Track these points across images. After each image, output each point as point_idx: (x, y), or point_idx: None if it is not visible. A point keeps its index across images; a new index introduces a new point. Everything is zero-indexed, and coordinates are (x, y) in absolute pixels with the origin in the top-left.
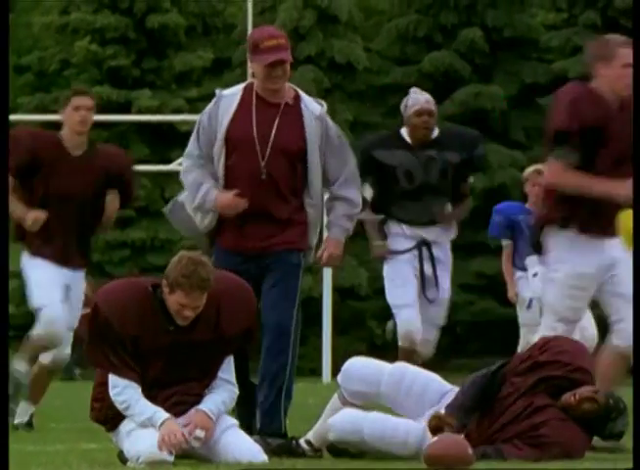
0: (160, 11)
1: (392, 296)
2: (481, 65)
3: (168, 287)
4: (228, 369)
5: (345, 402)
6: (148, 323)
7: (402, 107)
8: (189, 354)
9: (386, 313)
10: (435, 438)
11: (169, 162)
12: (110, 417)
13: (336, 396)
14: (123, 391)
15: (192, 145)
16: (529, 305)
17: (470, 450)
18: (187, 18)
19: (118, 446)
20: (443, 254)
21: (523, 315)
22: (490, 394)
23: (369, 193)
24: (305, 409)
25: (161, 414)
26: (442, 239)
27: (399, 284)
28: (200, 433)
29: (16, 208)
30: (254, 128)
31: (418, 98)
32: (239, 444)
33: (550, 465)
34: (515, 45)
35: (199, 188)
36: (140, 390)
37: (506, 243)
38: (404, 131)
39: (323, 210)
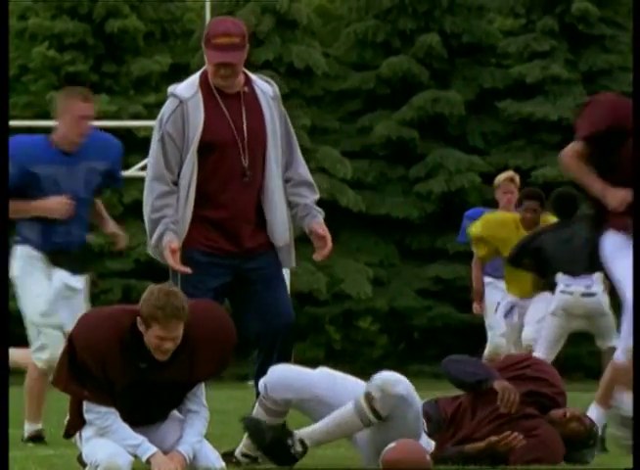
0: (119, 16)
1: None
2: (439, 70)
3: (144, 323)
4: (200, 393)
5: (269, 411)
6: (121, 360)
7: None
8: (158, 393)
9: (343, 318)
10: (393, 443)
11: (128, 167)
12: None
13: (257, 406)
14: (103, 416)
15: (157, 165)
16: (497, 310)
17: (427, 456)
18: (146, 23)
19: (79, 448)
20: None
21: (490, 319)
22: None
23: None
24: None
25: (148, 446)
26: None
27: None
28: None
29: None
30: (232, 125)
31: None
32: (197, 450)
33: (550, 466)
34: (473, 51)
35: (157, 224)
36: (119, 416)
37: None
38: None
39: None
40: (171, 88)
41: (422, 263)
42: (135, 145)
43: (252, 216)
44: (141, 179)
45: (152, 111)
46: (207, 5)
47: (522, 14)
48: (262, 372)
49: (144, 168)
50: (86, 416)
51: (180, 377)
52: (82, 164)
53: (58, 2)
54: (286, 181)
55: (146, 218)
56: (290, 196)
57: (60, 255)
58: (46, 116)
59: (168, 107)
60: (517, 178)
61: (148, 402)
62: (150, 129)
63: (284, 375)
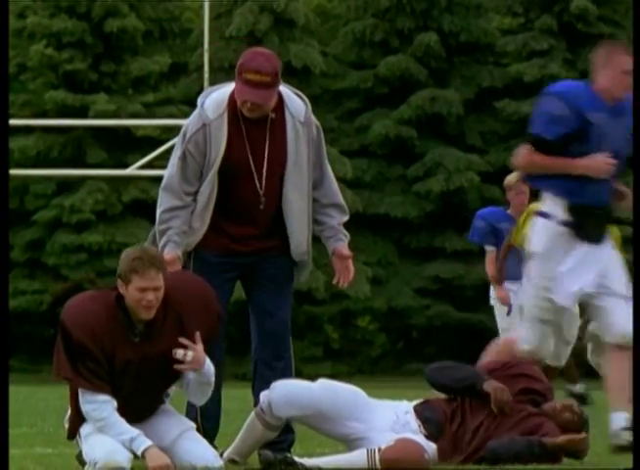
0: (118, 15)
1: None
2: (438, 69)
3: (124, 282)
4: None
5: (267, 425)
6: (116, 337)
7: None
8: (155, 369)
9: (342, 317)
10: (392, 442)
11: (126, 166)
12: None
13: (254, 418)
14: (100, 407)
15: (172, 177)
16: (509, 312)
17: (426, 455)
18: (144, 22)
19: (79, 446)
20: None
21: (502, 321)
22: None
23: None
24: None
25: (143, 440)
26: None
27: None
28: (188, 357)
29: None
30: (249, 153)
31: None
32: (195, 448)
33: (550, 466)
34: (471, 50)
35: (162, 235)
36: (116, 405)
37: (490, 249)
38: None
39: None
40: (202, 98)
41: (420, 262)
42: (133, 144)
43: (268, 229)
44: (140, 178)
45: (150, 110)
46: (206, 4)
47: (520, 12)
48: (258, 371)
49: (143, 167)
50: (83, 408)
51: (174, 346)
52: (626, 118)
53: (56, 1)
54: (315, 201)
55: (158, 223)
56: (318, 215)
57: (586, 215)
58: (44, 114)
59: (193, 124)
60: None
61: (146, 381)
62: (148, 128)
63: (287, 393)
